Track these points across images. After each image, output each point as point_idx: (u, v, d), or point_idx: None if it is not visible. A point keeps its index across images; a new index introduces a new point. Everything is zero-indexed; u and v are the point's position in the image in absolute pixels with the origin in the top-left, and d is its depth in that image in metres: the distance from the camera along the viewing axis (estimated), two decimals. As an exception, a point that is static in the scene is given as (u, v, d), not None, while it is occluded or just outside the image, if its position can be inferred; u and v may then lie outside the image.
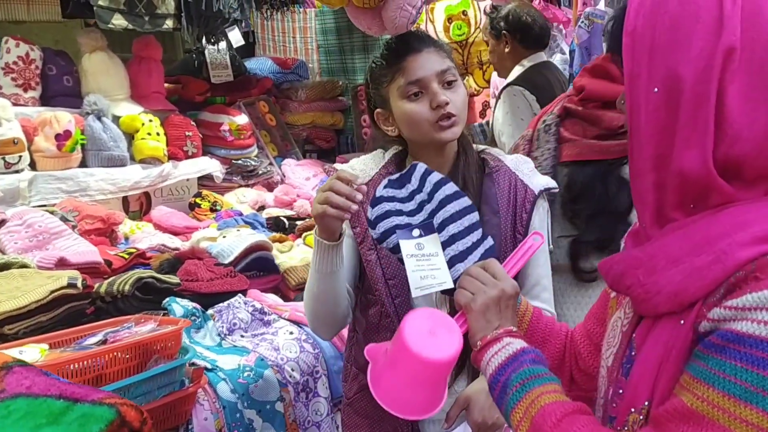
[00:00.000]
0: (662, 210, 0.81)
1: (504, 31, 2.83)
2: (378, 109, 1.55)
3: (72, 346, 1.65)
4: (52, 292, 1.75)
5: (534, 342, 1.12)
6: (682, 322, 0.76)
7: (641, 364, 0.82)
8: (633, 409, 0.81)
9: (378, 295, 1.44)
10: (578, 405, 0.87)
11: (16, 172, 2.54)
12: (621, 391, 0.86)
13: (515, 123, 2.65)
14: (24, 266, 1.93)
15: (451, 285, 1.16)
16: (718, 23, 0.74)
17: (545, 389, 0.89)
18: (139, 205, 2.98)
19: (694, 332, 0.75)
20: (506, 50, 2.85)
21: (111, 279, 1.94)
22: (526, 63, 2.81)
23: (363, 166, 1.58)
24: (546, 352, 1.11)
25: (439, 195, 1.27)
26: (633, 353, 0.85)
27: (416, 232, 1.21)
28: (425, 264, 1.18)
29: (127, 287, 1.90)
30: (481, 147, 1.62)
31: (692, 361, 0.74)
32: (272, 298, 2.26)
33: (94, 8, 2.76)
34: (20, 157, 2.54)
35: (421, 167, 1.31)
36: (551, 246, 1.60)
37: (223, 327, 1.98)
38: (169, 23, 2.99)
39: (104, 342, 1.63)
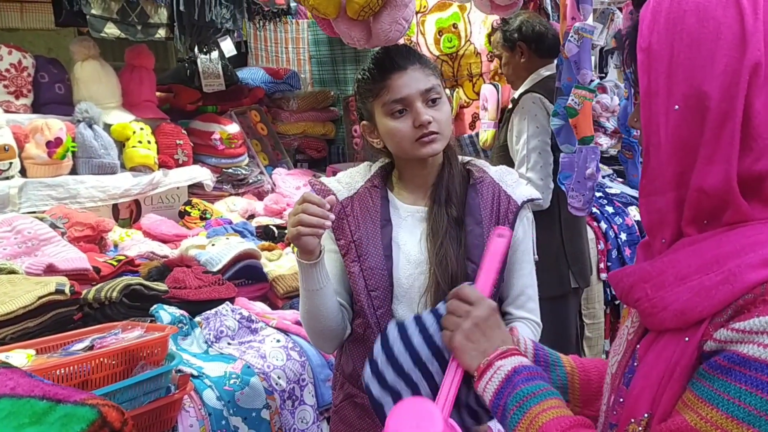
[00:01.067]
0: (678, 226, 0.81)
1: (519, 42, 2.85)
2: (364, 122, 1.58)
3: (59, 352, 1.66)
4: (40, 297, 1.76)
5: (590, 395, 1.09)
6: (687, 339, 0.76)
7: (642, 377, 0.82)
8: (633, 420, 0.81)
9: (360, 307, 1.46)
10: (578, 419, 0.88)
11: (7, 178, 2.55)
12: (621, 399, 0.86)
13: (532, 129, 2.67)
14: (12, 272, 1.94)
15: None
16: (741, 39, 0.74)
17: (542, 407, 0.90)
18: (129, 213, 2.99)
19: (699, 351, 0.75)
20: (522, 60, 2.86)
21: (99, 285, 1.96)
22: (544, 72, 2.83)
23: (349, 179, 1.60)
24: (602, 398, 1.08)
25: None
26: (635, 364, 0.85)
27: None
28: None
29: (114, 294, 1.91)
30: (467, 158, 1.65)
31: (696, 380, 0.74)
32: (260, 306, 2.27)
33: (87, 17, 2.78)
34: (11, 163, 2.55)
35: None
36: (536, 257, 1.63)
37: (210, 334, 1.99)
38: (161, 33, 3.02)
39: (91, 348, 1.65)
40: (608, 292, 3.67)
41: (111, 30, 2.86)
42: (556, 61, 2.78)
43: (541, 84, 2.80)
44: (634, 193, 3.96)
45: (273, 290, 2.43)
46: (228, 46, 3.38)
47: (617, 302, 3.77)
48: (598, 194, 3.80)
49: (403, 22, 2.36)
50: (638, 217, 3.81)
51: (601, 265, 3.57)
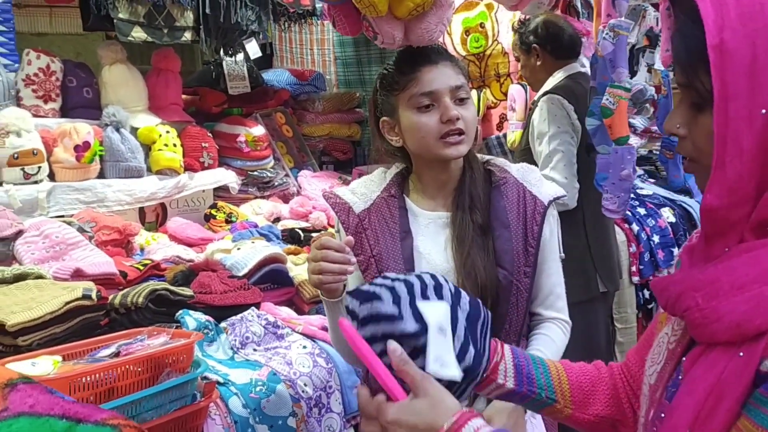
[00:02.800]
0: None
1: (534, 45, 2.81)
2: (384, 117, 1.54)
3: (85, 358, 1.65)
4: (67, 303, 1.75)
5: (582, 397, 1.05)
6: (741, 354, 0.71)
7: (687, 392, 0.76)
8: None
9: None
10: None
11: (35, 182, 2.56)
12: (663, 414, 0.81)
13: (553, 130, 2.62)
14: (40, 277, 1.94)
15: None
16: None
17: None
18: (156, 216, 2.99)
19: (756, 370, 0.69)
20: (538, 63, 2.82)
21: (125, 291, 1.95)
22: (559, 74, 2.79)
23: (365, 189, 1.57)
24: (597, 402, 1.05)
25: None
26: (680, 377, 0.80)
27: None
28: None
29: (140, 299, 1.90)
30: (486, 157, 1.61)
31: (754, 405, 0.69)
32: (286, 312, 2.25)
33: (114, 21, 2.80)
34: (39, 167, 2.56)
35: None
36: (562, 254, 1.59)
37: (235, 340, 1.97)
38: (187, 36, 3.02)
39: (117, 354, 1.63)
40: (640, 296, 3.59)
41: (138, 34, 2.87)
42: (590, 60, 2.73)
43: (562, 85, 2.75)
44: (667, 194, 3.87)
45: (299, 295, 2.40)
46: (253, 48, 3.37)
47: (650, 306, 3.68)
48: (629, 195, 3.72)
49: (446, 22, 2.33)
50: (671, 219, 3.72)
51: (633, 269, 3.49)
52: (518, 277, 1.46)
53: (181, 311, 1.94)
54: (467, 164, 1.53)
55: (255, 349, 2.00)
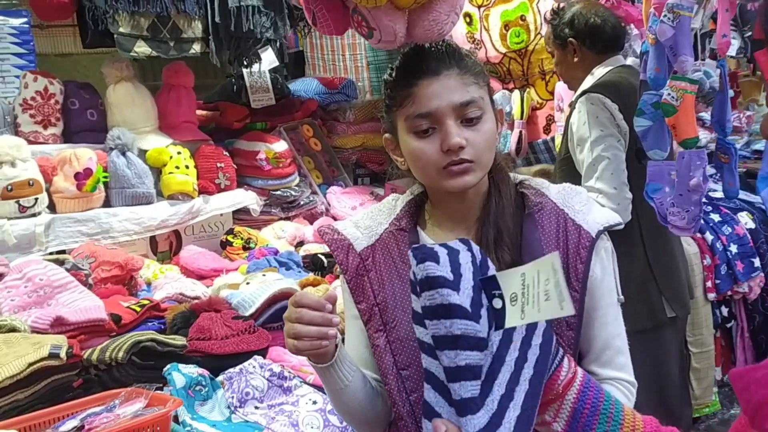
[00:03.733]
0: None
1: (570, 39, 2.44)
2: (386, 135, 1.24)
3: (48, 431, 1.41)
4: (30, 364, 1.52)
5: None
6: None
7: None
8: None
9: (389, 390, 1.11)
10: None
11: (33, 215, 2.37)
12: None
13: (595, 134, 2.26)
14: (13, 330, 1.71)
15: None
16: None
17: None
18: (169, 245, 2.77)
19: None
20: (575, 59, 2.45)
21: (104, 344, 1.70)
22: (599, 70, 2.41)
23: (370, 221, 1.27)
24: None
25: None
26: None
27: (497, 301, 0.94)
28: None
29: (120, 354, 1.65)
30: (520, 178, 1.28)
31: None
32: (297, 358, 1.96)
33: (115, 36, 2.58)
34: (36, 199, 2.36)
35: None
36: (621, 297, 1.24)
37: (233, 397, 1.70)
38: (196, 48, 2.79)
39: (81, 429, 1.38)
40: (717, 314, 3.15)
41: (141, 48, 2.65)
42: (640, 48, 2.34)
43: (601, 82, 2.37)
44: (745, 195, 3.39)
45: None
46: (269, 57, 3.11)
47: (729, 325, 3.24)
48: (699, 200, 3.28)
49: (459, 10, 1.99)
50: (750, 225, 3.26)
51: (708, 284, 3.06)
52: (558, 328, 1.13)
53: (169, 366, 1.68)
54: (494, 188, 1.21)
55: (257, 407, 1.72)
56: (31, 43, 3.43)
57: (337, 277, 2.48)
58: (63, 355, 1.55)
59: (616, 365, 1.21)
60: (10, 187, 2.30)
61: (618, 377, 1.21)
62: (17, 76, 3.12)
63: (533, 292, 0.90)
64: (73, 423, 1.40)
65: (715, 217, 3.20)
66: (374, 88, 4.20)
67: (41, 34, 3.80)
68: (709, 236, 3.10)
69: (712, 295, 3.05)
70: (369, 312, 1.15)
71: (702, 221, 3.09)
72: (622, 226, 1.22)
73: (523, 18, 3.40)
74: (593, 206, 1.21)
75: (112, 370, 1.67)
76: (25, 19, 3.32)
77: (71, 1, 2.49)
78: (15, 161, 2.33)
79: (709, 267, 3.06)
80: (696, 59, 3.45)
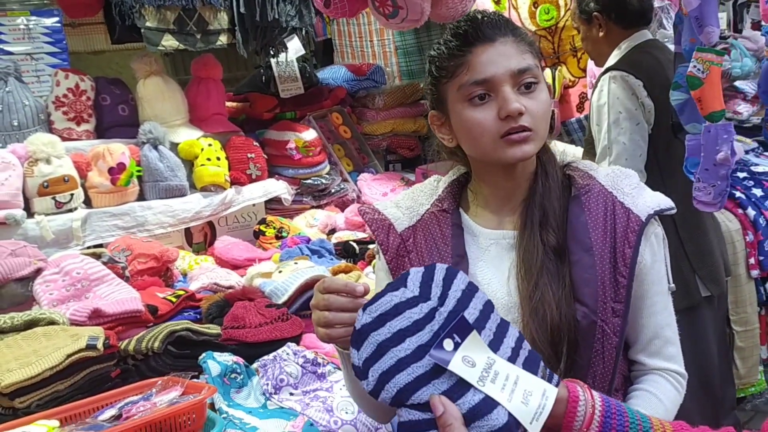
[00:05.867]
0: None
1: (595, 13, 2.38)
2: (433, 111, 1.23)
3: (87, 422, 1.44)
4: (68, 356, 1.54)
5: None
6: None
7: None
8: None
9: None
10: None
11: (69, 211, 2.41)
12: None
13: (614, 116, 2.21)
14: (52, 322, 1.74)
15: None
16: None
17: None
18: (204, 236, 2.79)
19: None
20: (600, 34, 2.39)
21: (140, 335, 1.72)
22: (625, 44, 2.35)
23: (411, 201, 1.26)
24: None
25: (454, 292, 0.92)
26: None
27: (448, 342, 0.85)
28: (501, 383, 0.85)
29: (156, 344, 1.67)
30: (568, 159, 1.25)
31: None
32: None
33: (142, 31, 2.60)
34: (72, 195, 2.40)
35: (417, 272, 0.94)
36: (672, 285, 1.21)
37: (268, 384, 1.70)
38: (223, 39, 2.80)
39: (118, 417, 1.41)
40: (762, 291, 3.06)
41: (169, 42, 2.67)
42: (672, 21, 2.27)
43: (627, 58, 2.30)
44: (790, 169, 3.28)
45: (350, 320, 2.12)
46: (295, 46, 3.11)
47: (774, 302, 3.14)
48: (741, 174, 3.18)
49: None
50: (795, 199, 3.15)
51: (751, 261, 2.97)
52: (604, 315, 1.11)
53: (204, 354, 1.69)
54: (541, 168, 1.18)
55: (291, 393, 1.73)
56: (64, 42, 3.47)
57: (369, 263, 2.48)
58: (100, 346, 1.58)
59: (665, 356, 1.18)
60: (46, 184, 2.35)
61: (667, 368, 1.18)
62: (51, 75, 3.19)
63: (509, 382, 0.85)
64: (111, 412, 1.42)
65: (758, 192, 3.09)
66: (403, 73, 4.17)
67: (73, 32, 3.84)
68: (751, 212, 3.00)
69: (755, 272, 2.96)
70: None
71: (744, 196, 3.01)
72: (674, 211, 1.18)
73: (551, -6, 3.33)
74: (644, 189, 1.18)
75: (149, 360, 1.69)
76: (56, 18, 3.35)
77: (99, -3, 2.52)
78: (50, 158, 2.37)
79: (751, 243, 2.97)
80: (736, 31, 3.32)
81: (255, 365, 1.76)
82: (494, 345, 0.88)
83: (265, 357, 1.76)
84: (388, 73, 4.06)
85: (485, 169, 1.19)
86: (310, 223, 2.88)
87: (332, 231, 2.86)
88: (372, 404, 1.18)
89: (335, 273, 2.25)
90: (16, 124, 2.44)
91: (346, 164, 3.37)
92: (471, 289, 0.92)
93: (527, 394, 0.83)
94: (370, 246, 2.60)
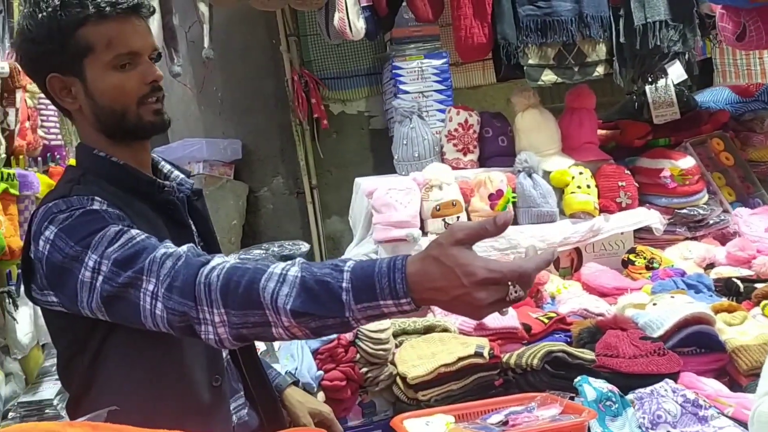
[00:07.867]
0: None
1: None
2: None
3: (477, 422, 1.62)
4: (460, 359, 1.75)
5: None
6: None
7: None
8: None
9: None
10: None
11: (452, 230, 2.71)
12: None
13: None
14: (445, 330, 1.99)
15: None
16: None
17: None
18: (570, 262, 2.86)
19: None
20: None
21: (521, 350, 1.86)
22: None
23: None
24: None
25: None
26: None
27: None
28: None
29: (535, 361, 1.79)
30: None
31: None
32: (713, 386, 1.84)
33: (524, 68, 2.80)
34: (458, 218, 2.70)
35: None
36: None
37: (644, 418, 1.68)
38: (599, 70, 2.86)
39: (505, 423, 1.55)
40: None
41: (548, 77, 2.83)
42: None
43: None
44: None
45: (733, 364, 1.96)
46: (677, 71, 2.98)
47: None
48: None
49: None
50: None
51: None
52: None
53: (579, 378, 1.75)
54: None
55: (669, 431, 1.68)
56: (449, 80, 3.92)
57: (756, 304, 2.25)
58: (486, 354, 1.76)
59: None
60: (438, 207, 2.68)
61: None
62: (439, 110, 3.61)
63: None
64: (498, 417, 1.57)
65: None
66: None
67: (456, 70, 4.31)
68: None
69: None
70: None
71: None
72: None
73: None
74: None
75: (527, 375, 1.82)
76: (444, 60, 3.79)
77: (488, 41, 2.79)
78: (442, 185, 2.71)
79: None
80: None
81: (630, 396, 1.75)
82: None
83: (641, 390, 1.75)
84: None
85: None
86: (685, 255, 2.73)
87: (710, 265, 2.67)
88: None
89: (716, 311, 2.11)
90: (416, 155, 2.85)
91: (727, 194, 3.11)
92: None
93: None
94: (757, 285, 2.36)
